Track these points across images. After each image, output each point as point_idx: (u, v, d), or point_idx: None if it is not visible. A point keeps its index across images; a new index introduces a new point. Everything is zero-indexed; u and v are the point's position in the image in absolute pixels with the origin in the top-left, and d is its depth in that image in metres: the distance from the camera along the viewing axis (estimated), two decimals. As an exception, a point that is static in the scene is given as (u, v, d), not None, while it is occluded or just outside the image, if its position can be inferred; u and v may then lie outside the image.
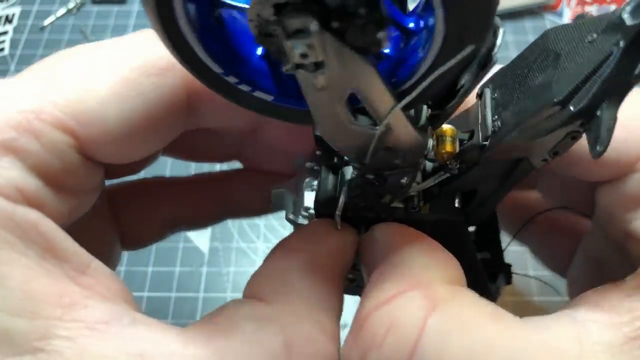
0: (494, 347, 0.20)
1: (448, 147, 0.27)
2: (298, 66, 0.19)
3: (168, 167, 0.59)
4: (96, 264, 0.23)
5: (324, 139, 0.24)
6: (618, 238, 0.28)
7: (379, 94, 0.21)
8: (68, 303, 0.21)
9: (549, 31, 0.24)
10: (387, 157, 0.24)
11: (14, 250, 0.21)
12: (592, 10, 0.74)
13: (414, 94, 0.21)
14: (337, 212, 0.27)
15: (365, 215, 0.28)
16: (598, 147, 0.21)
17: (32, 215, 0.22)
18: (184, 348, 0.22)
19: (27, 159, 0.22)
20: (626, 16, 0.20)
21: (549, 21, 0.73)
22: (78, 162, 0.24)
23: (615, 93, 0.21)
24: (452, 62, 0.20)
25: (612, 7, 0.74)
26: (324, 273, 0.26)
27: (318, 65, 0.19)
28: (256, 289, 0.25)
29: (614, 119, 0.21)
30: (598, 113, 0.21)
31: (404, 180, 0.26)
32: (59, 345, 0.20)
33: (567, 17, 0.73)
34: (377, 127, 0.22)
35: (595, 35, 0.21)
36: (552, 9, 0.74)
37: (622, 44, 0.20)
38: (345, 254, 0.27)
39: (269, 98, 0.24)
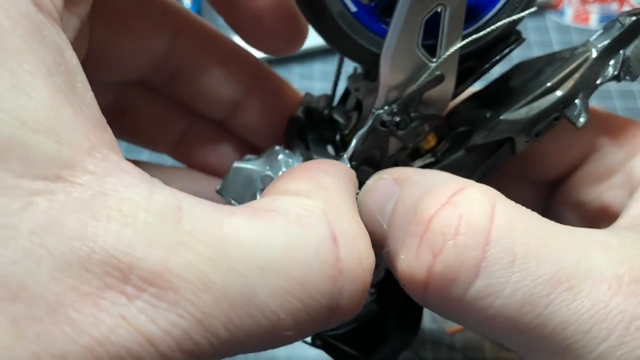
0: (556, 234, 0.22)
1: (430, 140, 0.31)
2: None
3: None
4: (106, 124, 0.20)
5: (382, 61, 0.25)
6: (588, 219, 0.30)
7: (456, 22, 0.24)
8: (95, 142, 0.18)
9: (521, 62, 0.30)
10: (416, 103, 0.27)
11: (43, 64, 0.17)
12: (594, 9, 0.72)
13: (479, 34, 0.26)
14: (345, 156, 0.28)
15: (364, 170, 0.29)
16: (581, 119, 0.27)
17: (59, 38, 0.18)
18: (224, 215, 0.19)
19: None
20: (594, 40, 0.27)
21: (551, 20, 0.71)
22: None
23: (587, 88, 0.27)
24: (519, 15, 0.26)
25: (613, 5, 0.72)
26: (349, 190, 0.24)
27: None
28: (288, 186, 0.22)
29: (588, 106, 0.27)
30: (577, 101, 0.27)
31: (425, 128, 0.28)
32: (85, 180, 0.17)
33: (568, 16, 0.72)
34: (435, 60, 0.26)
35: (569, 54, 0.28)
36: (553, 8, 0.72)
37: (594, 54, 0.27)
38: (355, 182, 0.26)
39: (353, 8, 0.25)
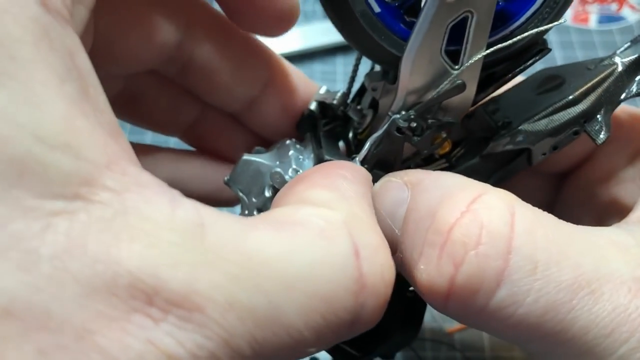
0: (574, 237, 0.22)
1: (445, 146, 0.30)
2: None
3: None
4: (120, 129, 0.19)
5: (403, 65, 0.25)
6: (597, 212, 0.30)
7: (482, 30, 0.24)
8: (112, 154, 0.17)
9: (543, 70, 0.30)
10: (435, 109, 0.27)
11: (54, 72, 0.16)
12: (593, 9, 0.72)
13: (504, 44, 0.25)
14: (357, 159, 0.28)
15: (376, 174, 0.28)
16: (602, 135, 0.27)
17: (70, 40, 0.17)
18: (247, 230, 0.18)
19: None
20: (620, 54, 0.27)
21: (550, 19, 0.72)
22: None
23: (610, 103, 0.27)
24: (545, 27, 0.25)
25: (613, 6, 0.73)
26: (367, 196, 0.24)
27: None
28: (308, 195, 0.22)
29: (609, 122, 0.27)
30: (598, 117, 0.27)
31: (442, 134, 0.28)
32: (105, 197, 0.16)
33: (568, 17, 0.72)
34: (457, 67, 0.25)
35: (593, 66, 0.28)
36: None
37: (620, 67, 0.27)
38: (371, 185, 0.26)
39: (377, 9, 0.25)
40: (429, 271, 0.22)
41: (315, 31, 0.65)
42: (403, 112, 0.26)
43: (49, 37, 0.16)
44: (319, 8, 0.73)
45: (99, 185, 0.16)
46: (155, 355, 0.16)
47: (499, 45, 0.25)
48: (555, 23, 0.25)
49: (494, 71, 0.27)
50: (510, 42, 0.25)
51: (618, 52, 0.27)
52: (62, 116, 0.16)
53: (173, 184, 0.32)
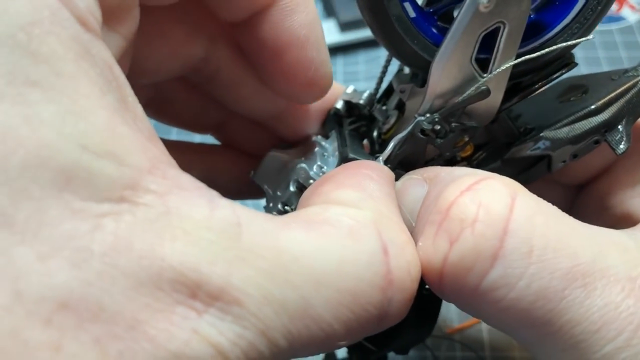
0: (575, 230, 0.22)
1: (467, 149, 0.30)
2: None
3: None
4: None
5: (433, 70, 0.25)
6: (610, 223, 0.30)
7: (512, 40, 0.24)
8: (153, 158, 0.18)
9: (567, 78, 0.31)
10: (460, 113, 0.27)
11: (95, 85, 0.17)
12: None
13: (532, 55, 0.25)
14: (381, 158, 0.28)
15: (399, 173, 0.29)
16: (622, 146, 0.27)
17: (106, 54, 0.18)
18: (280, 229, 0.19)
19: None
20: None
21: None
22: None
23: (632, 114, 0.27)
24: (574, 41, 0.25)
25: (612, 6, 0.73)
26: (392, 194, 0.24)
27: None
28: (336, 195, 0.23)
29: (630, 132, 0.27)
30: (620, 127, 0.27)
31: (465, 138, 0.28)
32: (148, 200, 0.17)
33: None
34: (485, 75, 0.25)
35: (617, 76, 0.28)
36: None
37: None
38: (394, 184, 0.26)
39: (412, 14, 0.25)
40: (425, 248, 0.22)
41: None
42: (428, 115, 0.26)
43: (89, 53, 0.18)
44: (319, 8, 0.73)
45: (142, 189, 0.17)
46: (200, 343, 0.17)
47: (527, 57, 0.25)
48: (584, 38, 0.26)
49: (520, 81, 0.27)
50: (538, 53, 0.25)
51: None
52: (105, 126, 0.17)
53: (203, 178, 0.32)
